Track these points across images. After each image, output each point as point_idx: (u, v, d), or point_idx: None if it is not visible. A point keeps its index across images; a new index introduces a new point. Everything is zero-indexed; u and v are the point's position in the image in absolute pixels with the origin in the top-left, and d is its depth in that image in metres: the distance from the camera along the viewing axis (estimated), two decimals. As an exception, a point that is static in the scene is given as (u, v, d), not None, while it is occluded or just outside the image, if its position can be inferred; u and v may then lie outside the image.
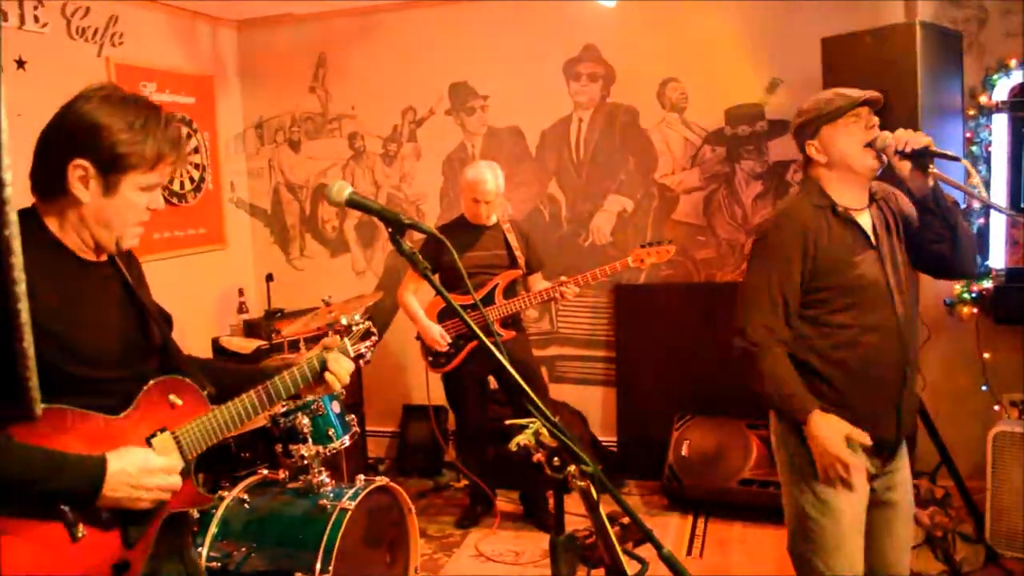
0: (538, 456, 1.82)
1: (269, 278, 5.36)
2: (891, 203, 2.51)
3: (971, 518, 3.83)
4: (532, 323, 5.11)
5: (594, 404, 5.13)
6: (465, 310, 4.16)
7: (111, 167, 1.64)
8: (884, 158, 2.38)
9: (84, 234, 1.69)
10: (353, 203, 1.77)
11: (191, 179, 5.03)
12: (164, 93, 4.75)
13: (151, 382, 1.78)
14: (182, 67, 4.99)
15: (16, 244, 0.77)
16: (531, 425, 1.83)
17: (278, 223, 5.67)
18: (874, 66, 3.52)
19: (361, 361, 2.19)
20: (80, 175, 1.63)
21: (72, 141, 1.63)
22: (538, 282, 4.33)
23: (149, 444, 1.75)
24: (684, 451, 4.53)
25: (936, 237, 2.41)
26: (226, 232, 5.41)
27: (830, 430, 2.31)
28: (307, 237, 5.63)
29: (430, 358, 4.38)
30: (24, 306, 0.76)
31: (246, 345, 4.66)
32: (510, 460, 4.23)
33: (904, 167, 2.34)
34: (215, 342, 4.79)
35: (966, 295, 4.22)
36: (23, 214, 1.67)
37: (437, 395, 4.63)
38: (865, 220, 2.43)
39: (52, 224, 1.68)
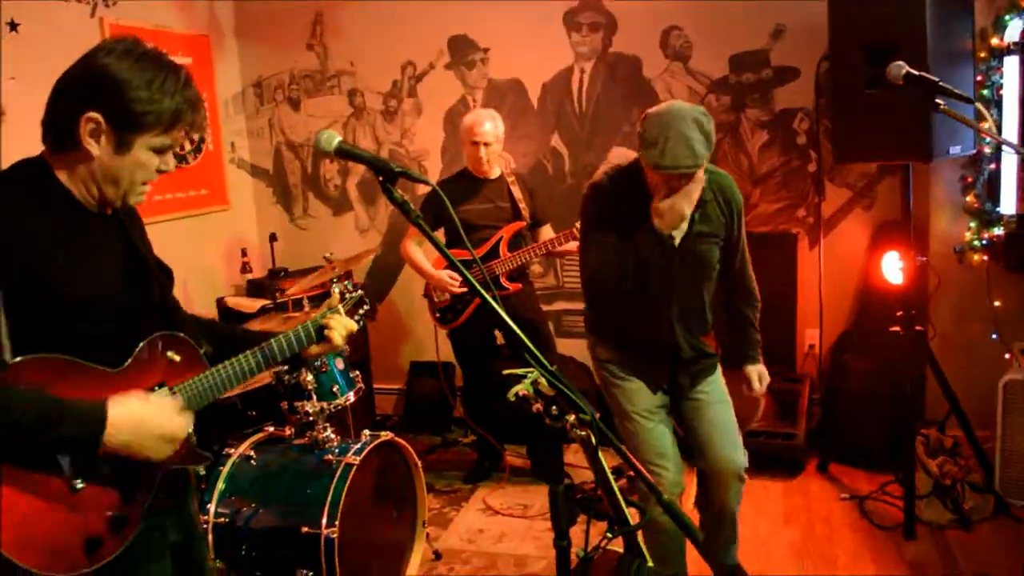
0: (537, 406, 1.81)
1: (273, 238, 5.34)
2: (728, 200, 2.79)
3: (980, 467, 3.83)
4: (538, 278, 5.08)
5: (601, 358, 5.11)
6: (468, 265, 4.18)
7: (125, 125, 1.62)
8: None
9: (92, 188, 1.67)
10: (342, 152, 1.74)
11: (190, 140, 4.98)
12: (161, 52, 4.69)
13: (150, 337, 1.77)
14: (177, 27, 4.92)
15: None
16: (529, 375, 1.82)
17: (280, 183, 5.63)
18: (881, 9, 3.44)
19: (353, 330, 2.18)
20: (92, 128, 1.61)
21: (88, 93, 1.60)
22: (546, 234, 4.29)
23: None
24: (691, 403, 4.51)
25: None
26: (228, 193, 5.38)
27: None
28: (310, 196, 5.59)
29: (437, 314, 4.36)
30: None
31: (251, 304, 4.64)
32: (518, 415, 4.27)
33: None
34: (220, 302, 4.78)
35: (976, 242, 4.17)
36: (32, 163, 1.67)
37: (445, 351, 4.63)
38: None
39: (61, 175, 1.66)
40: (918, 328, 3.61)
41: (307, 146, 5.52)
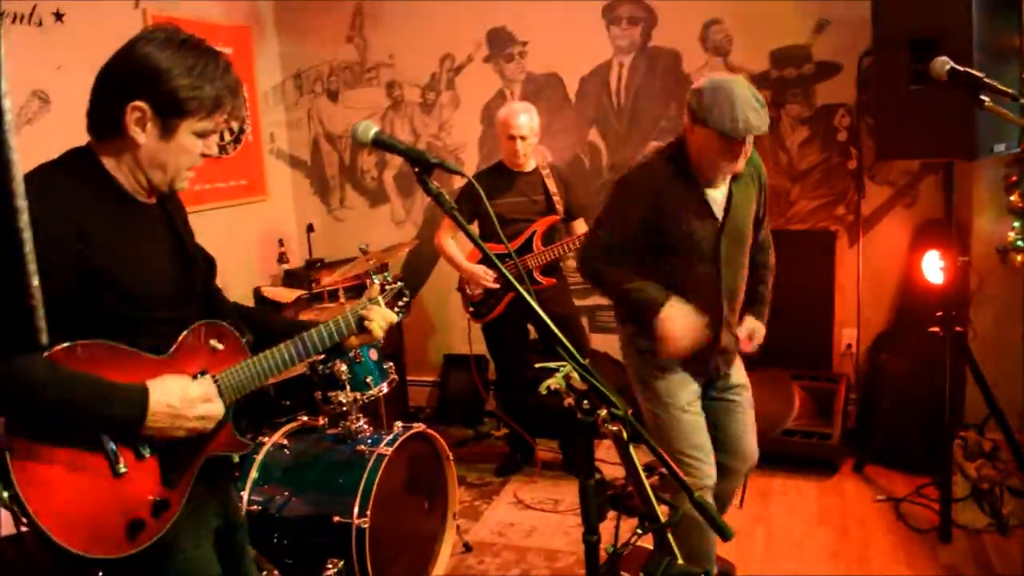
0: (568, 400, 1.81)
1: (310, 228, 5.38)
2: (757, 175, 2.83)
3: (1020, 471, 3.74)
4: (572, 272, 5.05)
5: (634, 354, 5.09)
6: (503, 259, 4.18)
7: (169, 111, 1.66)
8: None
9: (138, 175, 1.71)
10: (379, 142, 1.75)
11: (230, 131, 5.03)
12: (202, 43, 4.75)
13: (194, 325, 1.81)
14: (219, 18, 4.97)
15: (17, 171, 0.75)
16: (562, 368, 1.81)
17: (318, 174, 5.67)
18: (926, 4, 3.37)
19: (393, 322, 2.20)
20: (138, 117, 1.65)
21: (131, 83, 1.64)
22: (581, 228, 4.27)
23: None
24: (725, 401, 4.48)
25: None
26: (267, 183, 5.43)
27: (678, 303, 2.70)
28: (347, 187, 5.63)
29: (471, 309, 4.37)
30: (28, 236, 0.75)
31: (287, 295, 4.69)
32: (550, 409, 4.27)
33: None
34: (257, 292, 4.84)
35: (1020, 242, 4.08)
36: (80, 152, 1.71)
37: (478, 345, 4.64)
38: (717, 193, 2.73)
39: (108, 164, 1.70)
40: (958, 329, 3.54)
41: (345, 138, 5.56)
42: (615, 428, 1.76)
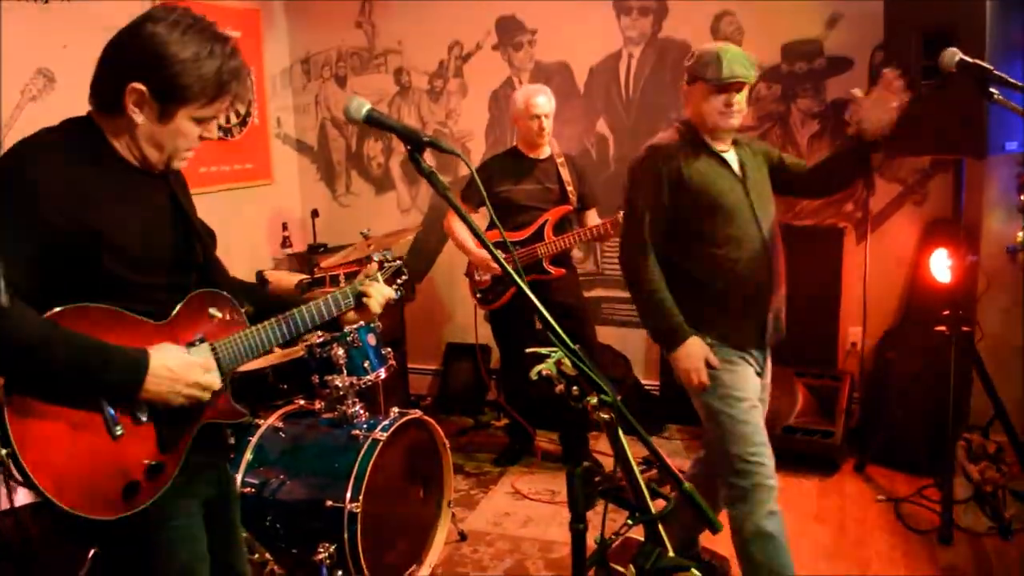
0: (559, 387, 1.78)
1: (315, 214, 5.37)
2: (752, 148, 2.86)
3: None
4: (577, 263, 5.02)
5: (637, 347, 5.06)
6: (514, 247, 4.13)
7: (168, 96, 1.65)
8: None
9: (134, 151, 1.71)
10: (371, 120, 1.73)
11: (236, 113, 5.02)
12: (211, 25, 4.73)
13: (193, 293, 1.83)
14: (228, 2, 4.95)
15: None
16: (552, 355, 1.78)
17: (324, 159, 5.65)
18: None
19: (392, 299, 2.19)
20: (136, 98, 1.64)
21: (133, 63, 1.64)
22: (592, 219, 4.23)
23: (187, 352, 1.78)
24: (727, 396, 4.45)
25: (842, 172, 2.85)
26: (273, 167, 5.41)
27: (693, 347, 2.67)
28: (353, 174, 5.60)
29: (478, 295, 4.34)
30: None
31: (289, 278, 4.66)
32: (553, 400, 4.24)
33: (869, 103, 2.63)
34: (259, 275, 4.82)
35: (1030, 242, 4.03)
36: (81, 121, 1.71)
37: (483, 334, 4.60)
38: (730, 157, 2.77)
39: (108, 133, 1.70)
40: (965, 329, 3.50)
41: (352, 124, 5.52)
42: (606, 416, 1.73)
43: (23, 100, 3.71)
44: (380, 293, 2.07)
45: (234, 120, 5.00)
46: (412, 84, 5.34)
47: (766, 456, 2.69)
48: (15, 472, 1.56)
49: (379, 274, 2.14)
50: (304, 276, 4.64)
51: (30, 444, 1.55)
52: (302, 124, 5.65)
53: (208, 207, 4.62)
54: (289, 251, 5.21)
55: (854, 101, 2.70)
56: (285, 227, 5.26)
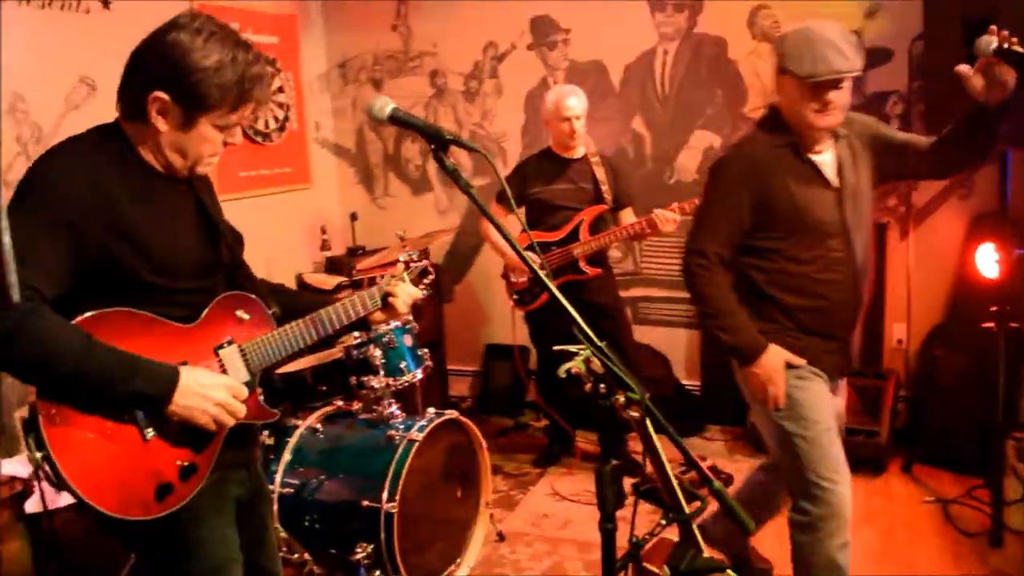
0: (588, 385, 1.77)
1: (353, 217, 5.40)
2: (857, 134, 2.53)
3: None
4: (616, 263, 5.00)
5: (678, 347, 5.02)
6: (544, 248, 4.13)
7: (191, 104, 1.67)
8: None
9: (159, 157, 1.74)
10: (395, 119, 1.73)
11: (275, 119, 5.06)
12: (247, 32, 4.77)
13: (220, 295, 1.85)
14: (265, 6, 5.00)
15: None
16: (581, 352, 1.77)
17: (362, 162, 5.69)
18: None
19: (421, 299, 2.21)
20: (159, 107, 1.66)
21: (156, 72, 1.66)
22: (628, 218, 4.20)
23: (216, 354, 1.82)
24: (768, 396, 4.38)
25: (967, 146, 2.45)
26: (311, 171, 5.46)
27: (772, 359, 2.47)
28: (390, 176, 5.63)
29: (515, 296, 4.33)
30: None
31: (328, 281, 4.72)
32: (591, 402, 4.21)
33: (980, 79, 2.25)
34: (299, 278, 4.88)
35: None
36: (109, 128, 1.74)
37: (521, 335, 4.59)
38: (826, 159, 2.48)
39: (135, 141, 1.72)
40: (1013, 325, 3.40)
41: (389, 127, 5.54)
42: (635, 414, 1.71)
43: (66, 108, 3.79)
44: (406, 293, 2.07)
45: (273, 125, 5.05)
46: (447, 86, 5.35)
47: (843, 483, 2.50)
48: (51, 475, 1.59)
49: (405, 274, 2.14)
50: (342, 279, 4.68)
51: (65, 447, 1.58)
52: (340, 128, 5.69)
53: (247, 212, 4.74)
54: (328, 254, 5.24)
55: (967, 78, 2.30)
56: (324, 230, 5.30)
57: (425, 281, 2.21)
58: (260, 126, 4.93)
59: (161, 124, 1.67)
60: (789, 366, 2.50)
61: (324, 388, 3.70)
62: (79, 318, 1.59)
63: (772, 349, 2.48)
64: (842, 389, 2.72)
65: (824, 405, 2.53)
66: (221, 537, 1.84)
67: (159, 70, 1.65)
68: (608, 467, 1.70)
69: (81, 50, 3.83)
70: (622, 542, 1.75)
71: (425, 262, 2.23)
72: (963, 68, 2.30)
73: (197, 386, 1.66)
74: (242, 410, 1.76)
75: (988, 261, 3.90)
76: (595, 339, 1.67)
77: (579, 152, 4.18)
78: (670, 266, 4.99)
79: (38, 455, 1.57)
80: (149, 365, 1.62)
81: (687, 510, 1.77)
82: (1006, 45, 2.17)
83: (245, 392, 1.78)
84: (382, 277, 3.73)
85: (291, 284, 4.89)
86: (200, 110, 1.68)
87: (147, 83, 1.65)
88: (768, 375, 2.47)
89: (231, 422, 1.75)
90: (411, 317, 3.52)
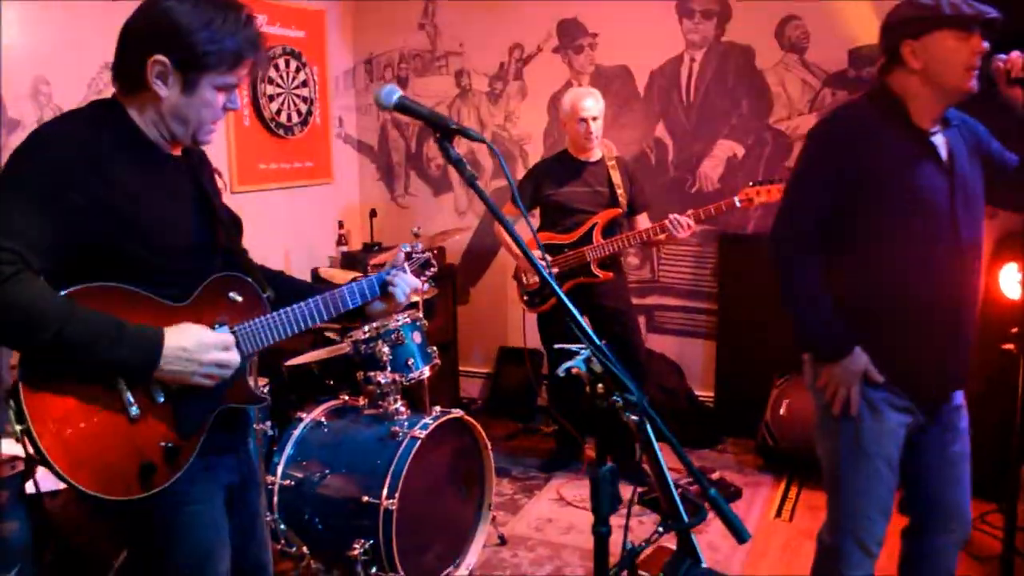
0: (589, 386, 1.74)
1: (372, 214, 5.40)
2: (966, 134, 2.27)
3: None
4: (633, 270, 4.96)
5: (693, 357, 4.96)
6: (558, 249, 4.10)
7: (190, 65, 1.67)
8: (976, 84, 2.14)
9: (161, 128, 1.73)
10: (402, 107, 1.71)
11: (298, 112, 5.07)
12: (275, 26, 4.80)
13: (214, 276, 1.82)
14: (294, 2, 5.01)
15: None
16: (581, 351, 1.74)
17: (384, 160, 5.69)
18: (1012, 4, 3.17)
19: (421, 287, 2.18)
20: (159, 71, 1.66)
21: (152, 37, 1.65)
22: (643, 223, 4.16)
23: None
24: (782, 411, 4.32)
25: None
26: (332, 166, 5.46)
27: (854, 364, 2.24)
28: (411, 174, 5.62)
29: (525, 297, 4.31)
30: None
31: (343, 276, 4.70)
32: (602, 408, 4.17)
33: (1015, 93, 2.12)
34: (314, 272, 4.87)
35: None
36: (106, 104, 1.73)
37: (533, 339, 4.56)
38: (938, 140, 2.21)
39: (133, 114, 1.72)
40: (1035, 343, 3.33)
41: (413, 124, 5.54)
42: (635, 418, 1.68)
43: (89, 93, 3.81)
44: (405, 283, 2.04)
45: (296, 119, 5.05)
46: (472, 86, 5.34)
47: (879, 524, 2.33)
48: (30, 449, 1.57)
49: (406, 264, 2.12)
50: (357, 274, 4.68)
51: (46, 422, 1.56)
52: (364, 124, 5.69)
53: (267, 204, 4.74)
54: (345, 249, 5.24)
55: (1002, 67, 2.15)
56: (341, 225, 5.30)
57: (427, 273, 2.19)
58: (283, 119, 4.93)
59: (162, 89, 1.67)
60: (866, 380, 2.27)
61: (331, 382, 3.70)
62: (67, 291, 1.58)
63: (856, 352, 2.24)
64: (959, 413, 2.38)
65: (888, 440, 2.29)
66: (210, 522, 1.81)
67: (155, 34, 1.65)
68: (605, 470, 1.67)
69: (106, 35, 3.84)
70: (620, 549, 1.72)
71: (427, 254, 2.20)
72: (1000, 58, 2.17)
73: (183, 349, 1.64)
74: (235, 359, 1.74)
75: (1011, 281, 3.82)
76: (594, 338, 1.64)
77: (596, 155, 4.15)
78: (687, 274, 4.94)
79: (18, 428, 1.55)
80: (134, 330, 1.60)
81: (686, 519, 1.73)
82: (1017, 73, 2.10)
83: (231, 340, 1.75)
84: (384, 266, 3.73)
85: (306, 277, 4.89)
86: (199, 70, 1.67)
87: (145, 49, 1.65)
88: (844, 378, 2.26)
89: (227, 375, 1.73)
90: (420, 314, 3.51)
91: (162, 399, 1.69)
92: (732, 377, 4.84)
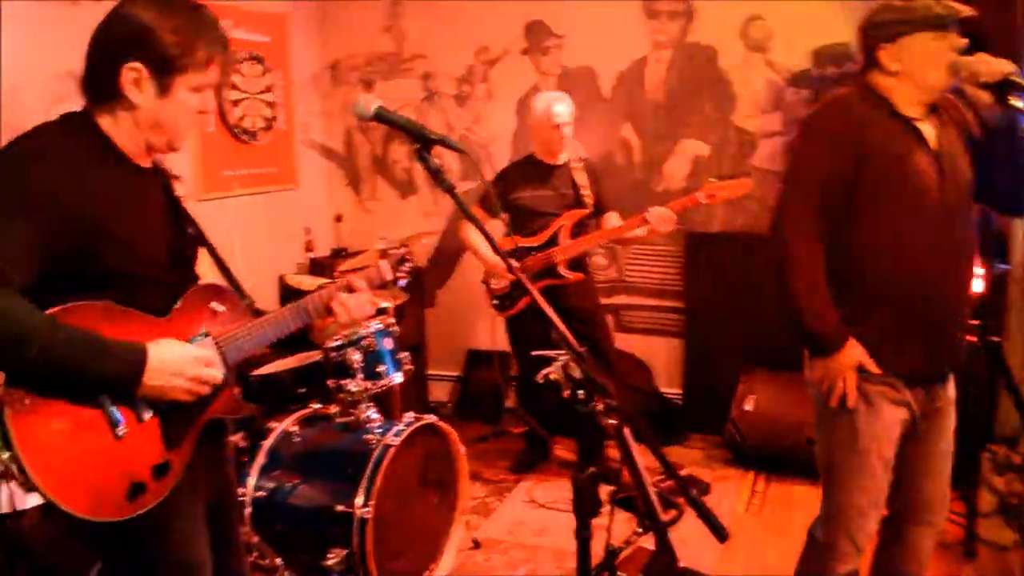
0: (567, 391, 1.75)
1: (339, 219, 5.37)
2: (955, 115, 2.32)
3: (1052, 488, 3.61)
4: (600, 270, 4.99)
5: (660, 355, 5.00)
6: (527, 252, 4.10)
7: (164, 69, 1.67)
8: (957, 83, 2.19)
9: (137, 137, 1.72)
10: (380, 117, 1.73)
11: (263, 117, 5.02)
12: (239, 30, 4.75)
13: (195, 287, 1.83)
14: (256, 5, 4.95)
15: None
16: (560, 358, 1.76)
17: (350, 165, 5.65)
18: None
19: (396, 284, 2.23)
20: (134, 78, 1.66)
21: (124, 45, 1.66)
22: (614, 222, 4.18)
23: None
24: (749, 405, 4.37)
25: (994, 168, 2.27)
26: (298, 172, 5.41)
27: (848, 357, 2.27)
28: (378, 179, 5.60)
29: (495, 301, 4.31)
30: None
31: (311, 283, 4.67)
32: (571, 408, 4.20)
33: (981, 96, 2.15)
34: (282, 279, 4.84)
35: (1062, 250, 3.92)
36: (79, 116, 1.72)
37: (502, 341, 4.57)
38: (926, 128, 2.25)
39: (105, 126, 1.71)
40: (993, 339, 3.41)
41: (378, 129, 5.51)
42: (613, 421, 1.70)
43: (52, 102, 3.74)
44: (352, 302, 2.02)
45: (260, 124, 5.01)
46: (439, 89, 5.33)
47: (870, 519, 2.37)
48: (17, 475, 1.54)
49: (384, 262, 2.17)
50: (326, 280, 4.64)
51: (33, 446, 1.53)
52: (329, 129, 5.65)
53: (231, 211, 4.68)
54: (312, 255, 5.21)
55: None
56: (308, 231, 5.27)
57: (404, 268, 2.20)
58: (247, 125, 4.89)
59: (137, 97, 1.67)
60: (862, 371, 2.29)
61: (302, 391, 3.67)
62: (52, 310, 1.56)
63: (850, 344, 2.27)
64: (947, 402, 2.41)
65: (883, 434, 2.32)
66: (192, 538, 1.80)
67: (126, 42, 1.65)
68: (585, 475, 1.69)
69: (66, 42, 3.78)
70: (599, 550, 1.73)
71: (404, 249, 2.22)
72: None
73: (166, 364, 1.64)
74: (218, 376, 1.74)
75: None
76: (575, 345, 1.65)
77: (563, 158, 4.17)
78: (654, 274, 4.98)
79: (5, 455, 1.53)
80: (117, 347, 1.59)
81: (663, 519, 1.75)
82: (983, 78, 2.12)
83: (214, 357, 1.75)
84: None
85: (274, 285, 4.86)
86: (173, 73, 1.68)
87: (117, 58, 1.65)
88: (839, 371, 2.28)
89: (207, 391, 1.73)
90: (392, 320, 3.49)
91: (148, 415, 1.68)
92: (699, 374, 4.88)
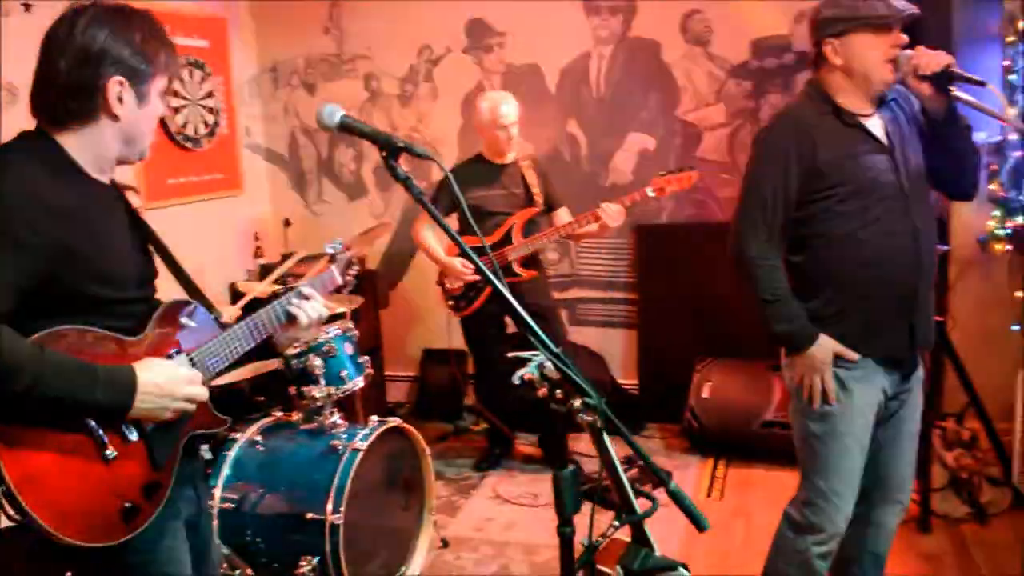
0: (542, 390, 1.77)
1: (286, 223, 5.32)
2: (904, 105, 2.43)
3: (999, 461, 3.75)
4: (552, 265, 5.03)
5: (615, 347, 5.07)
6: (479, 252, 4.12)
7: (140, 77, 1.70)
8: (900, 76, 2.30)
9: (108, 153, 1.72)
10: (345, 127, 1.71)
11: (205, 123, 4.95)
12: (177, 36, 4.67)
13: (165, 304, 1.81)
14: (193, 8, 4.88)
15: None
16: (534, 358, 1.78)
17: (295, 168, 5.60)
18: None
19: (344, 290, 2.27)
20: (118, 92, 1.66)
21: (100, 63, 1.65)
22: (565, 218, 4.23)
23: None
24: (705, 393, 4.46)
25: (941, 155, 2.37)
26: (243, 177, 5.35)
27: (820, 351, 2.36)
28: (324, 181, 5.56)
29: (451, 302, 4.32)
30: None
31: (264, 289, 4.62)
32: (530, 403, 4.23)
33: (922, 88, 2.26)
34: (232, 286, 4.78)
35: (1000, 231, 4.07)
36: (38, 135, 1.69)
37: (458, 339, 4.58)
38: (874, 124, 2.36)
39: (68, 146, 1.68)
40: (937, 318, 3.52)
41: (322, 132, 5.47)
42: (590, 419, 1.72)
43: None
44: (308, 308, 2.01)
45: (203, 131, 4.93)
46: (382, 90, 5.30)
47: (847, 500, 2.45)
48: (11, 510, 1.51)
49: (333, 267, 2.18)
50: (278, 286, 4.60)
51: (26, 481, 1.50)
52: (272, 133, 5.59)
53: (177, 220, 4.62)
54: (262, 261, 5.16)
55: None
56: (257, 237, 5.21)
57: (351, 272, 2.23)
58: (190, 131, 4.81)
59: (120, 109, 1.67)
60: (838, 360, 2.38)
61: (262, 399, 3.65)
62: (35, 337, 1.53)
63: (821, 339, 2.36)
64: (916, 383, 2.53)
65: (858, 418, 2.41)
66: (175, 556, 1.80)
67: (101, 60, 1.64)
68: (567, 470, 1.71)
69: (2, 55, 3.69)
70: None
71: (350, 252, 2.24)
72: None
73: (155, 386, 1.63)
74: (204, 394, 1.74)
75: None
76: (552, 345, 1.68)
77: (510, 157, 4.19)
78: (605, 266, 5.04)
79: None
80: (107, 372, 1.58)
81: (639, 510, 1.79)
82: (923, 70, 2.22)
83: (199, 377, 1.75)
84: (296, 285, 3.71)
85: (224, 292, 4.80)
86: (148, 79, 1.71)
87: (97, 76, 1.64)
88: (814, 366, 2.37)
89: (192, 409, 1.73)
90: (351, 324, 3.48)
91: (135, 436, 1.67)
92: (654, 364, 4.96)
